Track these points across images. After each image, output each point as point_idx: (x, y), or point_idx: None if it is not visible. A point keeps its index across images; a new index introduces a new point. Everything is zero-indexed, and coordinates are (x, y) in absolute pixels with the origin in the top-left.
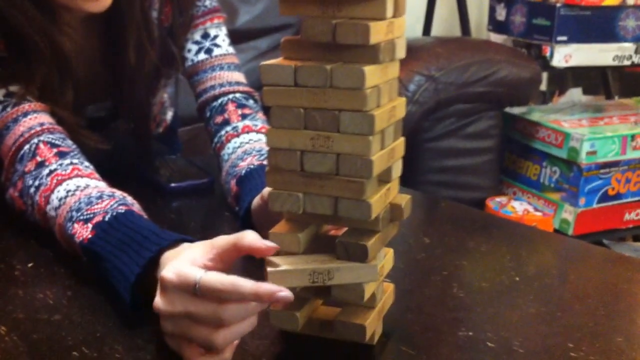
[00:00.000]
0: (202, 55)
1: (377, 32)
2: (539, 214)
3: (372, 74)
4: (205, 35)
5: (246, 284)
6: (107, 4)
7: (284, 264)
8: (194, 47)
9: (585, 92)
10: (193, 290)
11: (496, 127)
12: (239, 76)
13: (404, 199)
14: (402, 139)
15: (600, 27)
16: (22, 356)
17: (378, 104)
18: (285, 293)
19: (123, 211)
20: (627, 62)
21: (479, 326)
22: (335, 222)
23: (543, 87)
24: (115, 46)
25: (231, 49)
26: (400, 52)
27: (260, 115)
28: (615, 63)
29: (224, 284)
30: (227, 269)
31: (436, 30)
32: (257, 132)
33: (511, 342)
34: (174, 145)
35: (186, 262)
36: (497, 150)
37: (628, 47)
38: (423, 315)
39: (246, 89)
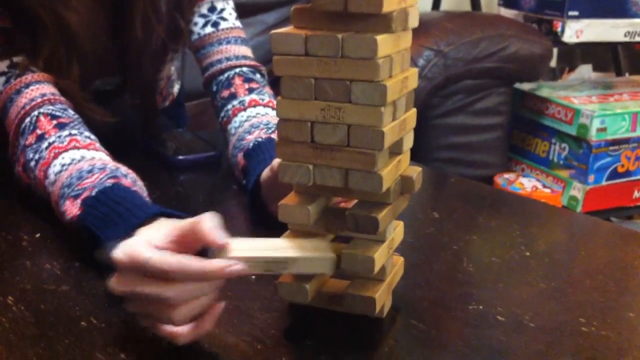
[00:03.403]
0: (208, 29)
1: (390, 1)
2: (547, 190)
3: (385, 44)
4: (212, 9)
5: (192, 263)
6: None
7: (238, 250)
8: (201, 21)
9: (595, 68)
10: (144, 270)
11: (505, 104)
12: (245, 50)
13: (415, 171)
14: (413, 110)
15: (611, 2)
16: (29, 327)
17: (390, 74)
18: (237, 267)
19: (110, 185)
20: (638, 38)
21: (489, 301)
22: (345, 194)
23: (553, 63)
24: (122, 20)
25: (238, 23)
26: (413, 22)
27: (267, 89)
28: (627, 39)
29: (171, 264)
30: (191, 253)
31: (446, 4)
32: (264, 105)
33: (522, 317)
34: (181, 118)
35: (141, 242)
36: (506, 127)
37: (639, 22)
38: (432, 289)
39: (253, 63)
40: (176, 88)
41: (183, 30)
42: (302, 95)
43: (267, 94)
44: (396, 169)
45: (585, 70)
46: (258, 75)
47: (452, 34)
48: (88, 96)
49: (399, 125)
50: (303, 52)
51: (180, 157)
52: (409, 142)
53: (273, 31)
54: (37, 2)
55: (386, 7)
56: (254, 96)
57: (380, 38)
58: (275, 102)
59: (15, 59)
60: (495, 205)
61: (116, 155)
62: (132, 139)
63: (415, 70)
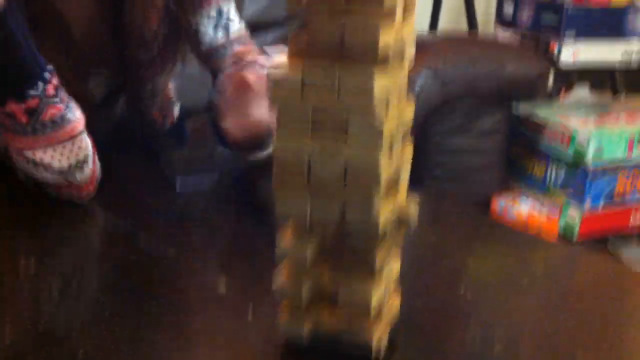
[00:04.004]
0: (220, 34)
1: (387, 38)
2: (544, 215)
3: (381, 80)
4: (220, 12)
5: None
6: None
7: None
8: (211, 25)
9: (592, 87)
10: None
11: (502, 124)
12: (250, 46)
13: (412, 207)
14: (410, 143)
15: (608, 24)
16: None
17: (387, 111)
18: None
19: None
20: (635, 58)
21: (486, 325)
22: (341, 228)
23: (549, 82)
24: (117, 9)
25: (242, 23)
26: (410, 53)
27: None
28: (624, 61)
29: None
30: None
31: (443, 23)
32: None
33: (518, 341)
34: (182, 138)
35: None
36: (503, 148)
37: (637, 44)
38: (428, 314)
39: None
40: (176, 110)
41: (185, 29)
42: (298, 133)
43: None
44: (393, 204)
45: (582, 90)
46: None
47: (450, 54)
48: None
49: (396, 158)
50: (299, 87)
51: (180, 179)
52: (405, 174)
53: (270, 73)
54: None
55: (383, 41)
56: None
57: (376, 73)
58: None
59: None
60: (491, 233)
61: (116, 169)
62: (133, 154)
63: (411, 103)
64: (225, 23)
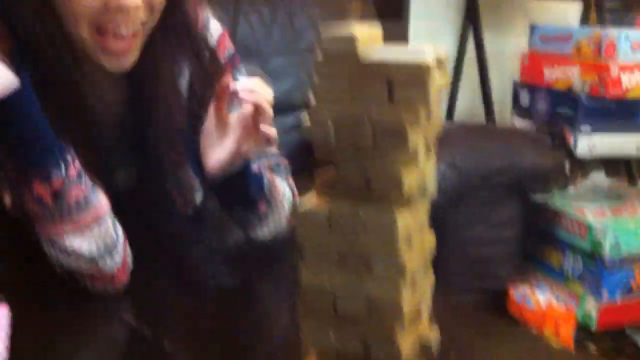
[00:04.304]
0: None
1: (410, 179)
2: (562, 307)
3: (404, 220)
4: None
5: None
6: (127, 64)
7: None
8: None
9: (607, 174)
10: None
11: (519, 215)
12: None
13: (434, 334)
14: (432, 275)
15: (623, 117)
16: None
17: (410, 247)
18: None
19: None
20: None
21: None
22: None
23: (566, 172)
24: (142, 106)
25: None
26: (432, 190)
27: (288, 178)
28: (639, 153)
29: None
30: None
31: (460, 111)
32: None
33: None
34: (202, 227)
35: None
36: (520, 238)
37: None
38: None
39: (277, 160)
40: (199, 196)
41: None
42: (325, 267)
43: (285, 181)
44: (416, 335)
45: (597, 177)
46: (281, 167)
47: (467, 147)
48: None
49: (419, 293)
50: (326, 225)
51: (203, 284)
52: (427, 305)
53: (297, 204)
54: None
55: (407, 187)
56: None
57: (400, 216)
58: (290, 188)
59: None
60: (505, 337)
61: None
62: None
63: (432, 235)
64: None
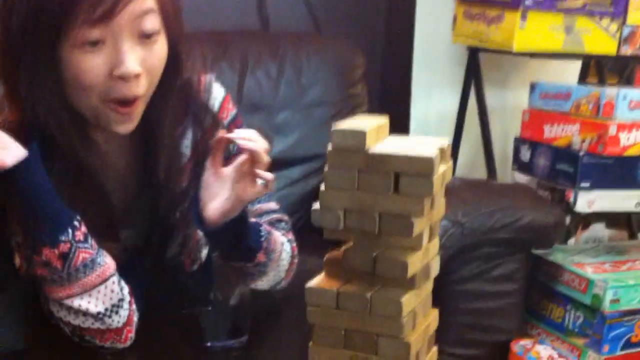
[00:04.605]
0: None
1: (414, 264)
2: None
3: (409, 302)
4: None
5: None
6: (132, 126)
7: None
8: None
9: (608, 225)
10: None
11: (521, 270)
12: (271, 205)
13: None
14: (434, 350)
15: (622, 174)
16: None
17: (414, 326)
18: None
19: None
20: None
21: None
22: None
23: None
24: (145, 169)
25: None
26: (435, 272)
27: (289, 234)
28: (637, 209)
29: None
30: None
31: (462, 165)
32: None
33: None
34: (208, 283)
35: None
36: (522, 292)
37: None
38: None
39: (277, 216)
40: (204, 253)
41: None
42: (332, 344)
43: (285, 236)
44: None
45: (598, 229)
46: (282, 224)
47: (469, 205)
48: (118, 249)
49: None
50: (335, 305)
51: (210, 344)
52: None
53: (307, 285)
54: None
55: (411, 271)
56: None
57: (404, 298)
58: (290, 241)
59: None
60: None
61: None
62: (162, 310)
63: (435, 311)
64: None
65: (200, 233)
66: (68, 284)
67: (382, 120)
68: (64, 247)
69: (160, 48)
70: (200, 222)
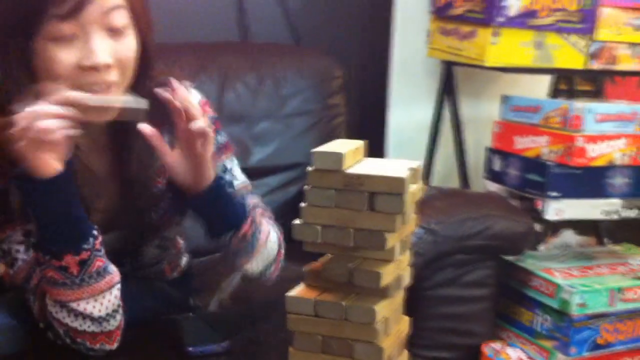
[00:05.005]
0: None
1: (387, 275)
2: None
3: (382, 309)
4: (224, 169)
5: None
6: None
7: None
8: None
9: (577, 231)
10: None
11: (492, 276)
12: (255, 200)
13: None
14: (405, 354)
15: (589, 184)
16: None
17: (387, 332)
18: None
19: None
20: (615, 217)
21: None
22: None
23: (537, 227)
24: (121, 170)
25: (243, 176)
26: (406, 282)
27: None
28: (604, 217)
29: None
30: None
31: (437, 173)
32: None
33: None
34: (188, 290)
35: None
36: (493, 297)
37: (616, 202)
38: None
39: (261, 210)
40: (184, 260)
41: None
42: (311, 349)
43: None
44: None
45: (568, 235)
46: (266, 218)
47: (442, 213)
48: None
49: None
50: (313, 313)
51: (191, 349)
52: None
53: (288, 294)
54: None
55: (384, 282)
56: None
57: (378, 307)
58: (276, 230)
59: (29, 226)
60: None
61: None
62: (142, 316)
63: (407, 319)
64: (230, 180)
65: (181, 241)
66: (78, 288)
67: (359, 143)
68: (84, 255)
69: (130, 41)
70: (185, 200)
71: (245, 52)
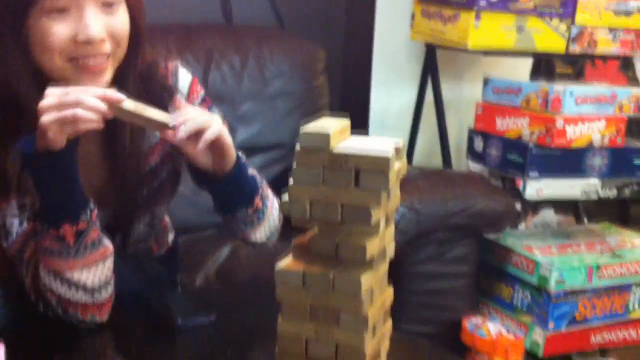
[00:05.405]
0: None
1: (372, 248)
2: (511, 336)
3: (367, 280)
4: None
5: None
6: (103, 82)
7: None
8: None
9: (556, 211)
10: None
11: (473, 253)
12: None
13: None
14: (390, 322)
15: (569, 164)
16: None
17: (371, 302)
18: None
19: None
20: (593, 197)
21: None
22: None
23: (517, 207)
24: (114, 146)
25: None
26: (390, 254)
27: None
28: (583, 197)
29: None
30: None
31: (419, 154)
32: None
33: None
34: (174, 266)
35: None
36: (474, 274)
37: (594, 182)
38: None
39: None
40: (171, 237)
41: (179, 172)
42: (299, 318)
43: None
44: None
45: (547, 214)
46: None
47: (425, 192)
48: None
49: (378, 339)
50: (301, 284)
51: (180, 322)
52: (386, 343)
53: (277, 266)
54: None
55: (369, 254)
56: None
57: (364, 277)
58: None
59: (26, 200)
60: None
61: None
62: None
63: (391, 290)
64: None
65: (167, 219)
66: (74, 258)
67: (345, 122)
68: (82, 225)
69: (123, 16)
70: (211, 182)
71: (230, 34)
